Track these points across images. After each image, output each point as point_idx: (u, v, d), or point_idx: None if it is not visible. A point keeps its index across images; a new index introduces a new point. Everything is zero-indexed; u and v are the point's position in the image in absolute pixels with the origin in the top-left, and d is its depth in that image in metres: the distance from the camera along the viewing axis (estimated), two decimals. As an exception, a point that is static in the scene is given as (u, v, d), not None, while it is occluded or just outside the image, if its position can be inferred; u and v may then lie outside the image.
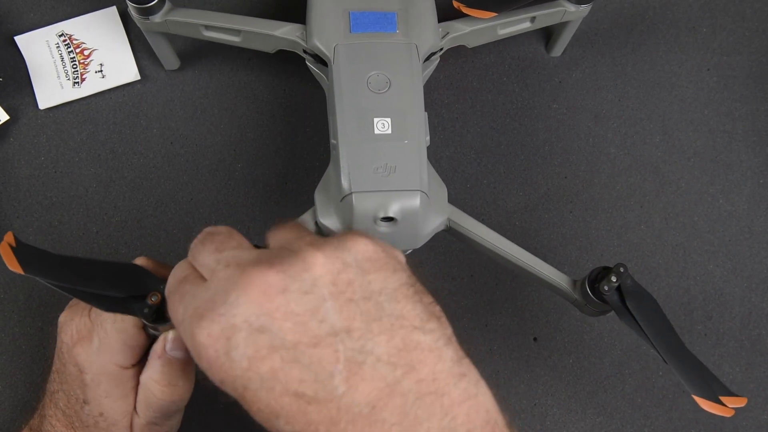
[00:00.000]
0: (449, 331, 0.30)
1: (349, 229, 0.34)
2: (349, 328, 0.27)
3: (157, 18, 0.48)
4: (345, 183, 0.41)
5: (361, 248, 0.30)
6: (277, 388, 0.27)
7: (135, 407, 0.40)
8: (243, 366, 0.27)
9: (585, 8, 0.52)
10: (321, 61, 0.47)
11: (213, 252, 0.31)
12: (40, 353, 0.50)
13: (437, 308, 0.30)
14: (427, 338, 0.28)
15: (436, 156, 0.56)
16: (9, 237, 0.35)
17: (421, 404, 0.27)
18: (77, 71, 0.55)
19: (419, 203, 0.41)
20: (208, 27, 0.50)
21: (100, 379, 0.39)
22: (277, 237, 0.32)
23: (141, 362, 0.40)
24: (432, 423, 0.27)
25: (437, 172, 0.46)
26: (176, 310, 0.30)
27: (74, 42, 0.56)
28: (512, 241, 0.46)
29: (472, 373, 0.29)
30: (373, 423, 0.26)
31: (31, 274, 0.35)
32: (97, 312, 0.39)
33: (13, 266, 0.34)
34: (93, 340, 0.39)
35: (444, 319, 0.30)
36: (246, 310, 0.27)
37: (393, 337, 0.28)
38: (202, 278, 0.31)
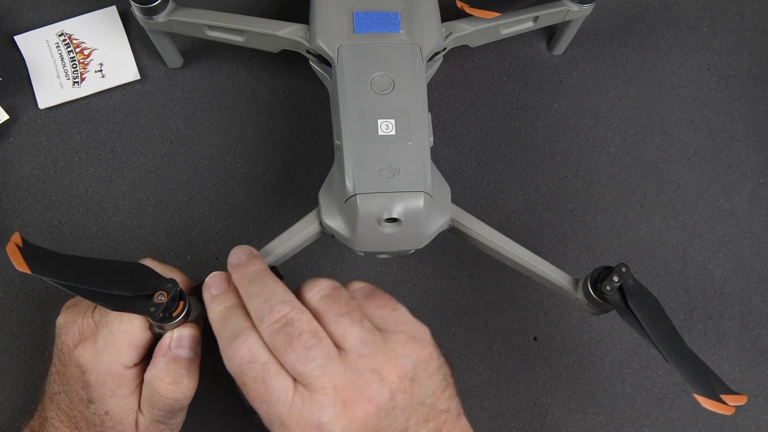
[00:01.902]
0: (455, 388, 0.38)
1: (405, 317, 0.38)
2: (407, 428, 0.35)
3: (160, 18, 0.48)
4: (349, 184, 0.41)
5: (418, 353, 0.36)
6: None
7: (139, 406, 0.40)
8: None
9: (588, 8, 0.52)
10: (324, 61, 0.47)
11: (292, 351, 0.34)
12: (39, 353, 0.50)
13: (452, 379, 0.38)
14: (448, 415, 0.37)
15: (436, 156, 0.56)
16: (16, 237, 0.36)
17: None
18: (77, 71, 0.55)
19: (423, 204, 0.41)
20: (211, 27, 0.49)
21: (105, 379, 0.39)
22: (336, 317, 0.36)
23: (145, 361, 0.40)
24: None
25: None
26: (261, 400, 0.34)
27: (74, 41, 0.56)
28: (513, 241, 0.46)
29: (462, 419, 0.39)
30: None
31: (38, 273, 0.35)
32: (101, 313, 0.39)
33: (21, 266, 0.34)
34: (97, 341, 0.39)
35: (453, 383, 0.38)
36: None
37: (429, 423, 0.36)
38: (283, 368, 0.34)
